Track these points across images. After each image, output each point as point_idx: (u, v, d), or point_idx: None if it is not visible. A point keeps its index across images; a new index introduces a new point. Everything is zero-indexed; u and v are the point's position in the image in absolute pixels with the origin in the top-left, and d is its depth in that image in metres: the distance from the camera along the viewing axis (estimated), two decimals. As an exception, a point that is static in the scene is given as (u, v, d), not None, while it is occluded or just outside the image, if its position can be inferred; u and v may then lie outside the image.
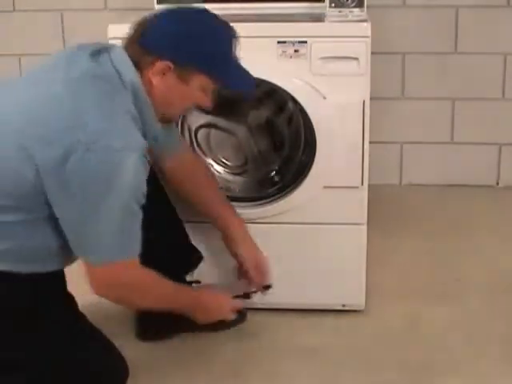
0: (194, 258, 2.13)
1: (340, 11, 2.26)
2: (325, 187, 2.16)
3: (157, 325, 2.16)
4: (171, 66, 1.69)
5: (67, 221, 1.64)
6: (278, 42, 2.05)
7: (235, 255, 2.09)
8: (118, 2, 3.25)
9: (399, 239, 2.82)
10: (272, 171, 2.31)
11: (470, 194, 3.26)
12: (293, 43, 2.05)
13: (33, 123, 1.61)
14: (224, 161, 2.35)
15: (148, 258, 1.72)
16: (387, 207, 3.08)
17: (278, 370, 2.02)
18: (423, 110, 3.30)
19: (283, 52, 2.04)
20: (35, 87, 1.68)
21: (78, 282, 1.88)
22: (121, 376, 1.83)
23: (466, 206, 3.14)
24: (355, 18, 2.21)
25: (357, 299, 2.26)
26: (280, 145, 2.33)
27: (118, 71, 1.69)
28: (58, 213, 1.63)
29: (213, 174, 2.17)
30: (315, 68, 2.05)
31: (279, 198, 2.19)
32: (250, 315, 2.19)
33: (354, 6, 2.26)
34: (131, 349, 1.94)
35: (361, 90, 2.04)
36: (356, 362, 2.05)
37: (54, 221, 1.66)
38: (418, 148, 3.35)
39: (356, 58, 2.04)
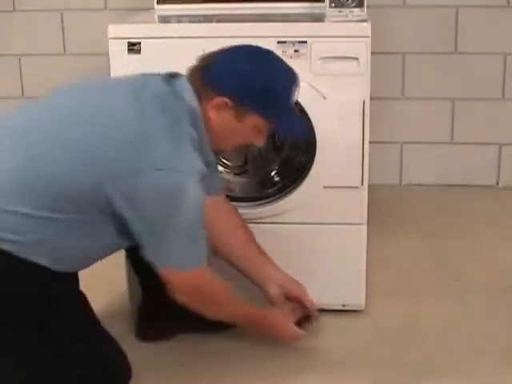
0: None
1: (340, 11, 2.26)
2: (325, 187, 2.16)
3: (157, 325, 2.17)
4: (228, 102, 1.74)
5: (139, 233, 1.70)
6: (278, 42, 2.05)
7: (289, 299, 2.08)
8: (118, 2, 3.25)
9: (399, 239, 2.82)
10: (272, 171, 2.31)
11: (470, 194, 3.26)
12: (293, 43, 2.05)
13: (101, 136, 1.67)
14: (224, 161, 2.35)
15: None
16: (387, 207, 3.08)
17: (278, 369, 2.02)
18: (423, 109, 3.30)
19: (283, 52, 2.04)
20: (103, 101, 1.74)
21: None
22: (123, 377, 1.84)
23: (466, 206, 3.14)
24: (355, 18, 2.21)
25: (357, 299, 2.26)
26: (280, 145, 2.33)
27: (182, 97, 1.74)
28: (128, 223, 1.69)
29: (247, 229, 2.10)
30: (315, 68, 2.06)
31: (279, 197, 2.19)
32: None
33: (354, 6, 2.26)
34: (131, 349, 1.93)
35: (361, 89, 2.04)
36: (356, 361, 2.05)
37: (99, 224, 1.71)
38: (418, 148, 3.35)
39: (356, 58, 2.04)
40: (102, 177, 1.63)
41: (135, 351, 1.90)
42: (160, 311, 2.17)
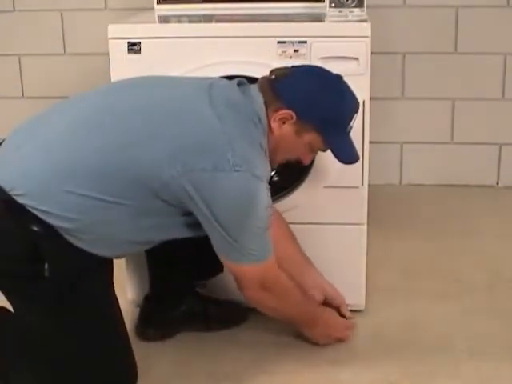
0: (217, 267, 2.10)
1: (340, 11, 2.26)
2: (325, 187, 2.16)
3: (157, 325, 2.17)
4: (294, 116, 1.80)
5: (210, 231, 1.75)
6: (278, 42, 2.05)
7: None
8: (118, 2, 3.25)
9: (399, 239, 2.82)
10: (272, 171, 2.31)
11: (470, 194, 3.26)
12: (293, 43, 2.05)
13: (184, 130, 1.71)
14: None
15: (177, 251, 1.92)
16: (387, 207, 3.08)
17: (278, 369, 2.02)
18: (423, 109, 3.30)
19: (283, 52, 2.05)
20: (181, 100, 1.78)
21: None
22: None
23: (466, 206, 3.14)
24: (355, 18, 2.21)
25: (357, 299, 2.26)
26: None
27: (254, 105, 1.80)
28: (199, 219, 1.74)
29: (295, 238, 2.16)
30: (315, 68, 2.05)
31: (279, 197, 2.19)
32: (250, 315, 2.19)
33: (354, 6, 2.26)
34: (131, 349, 1.94)
35: (361, 89, 2.04)
36: (356, 361, 2.05)
37: (159, 213, 1.75)
38: (418, 148, 3.35)
39: (356, 58, 2.04)
40: (182, 169, 1.67)
41: (135, 351, 1.90)
42: (160, 311, 2.18)
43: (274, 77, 1.85)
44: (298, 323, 2.07)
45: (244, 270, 1.80)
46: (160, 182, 1.68)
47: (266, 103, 1.81)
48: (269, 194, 1.78)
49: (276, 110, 1.81)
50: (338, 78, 1.87)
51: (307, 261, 2.15)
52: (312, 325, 2.06)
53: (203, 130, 1.72)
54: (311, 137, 1.84)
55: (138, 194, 1.70)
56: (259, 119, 1.79)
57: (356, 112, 1.88)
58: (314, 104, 1.81)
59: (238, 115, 1.76)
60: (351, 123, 1.87)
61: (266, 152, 1.83)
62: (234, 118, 1.75)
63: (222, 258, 1.80)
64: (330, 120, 1.83)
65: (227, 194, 1.70)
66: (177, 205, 1.73)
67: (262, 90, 1.82)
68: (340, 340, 2.10)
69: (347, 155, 1.89)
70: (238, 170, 1.68)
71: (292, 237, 2.13)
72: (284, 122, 1.81)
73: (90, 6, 3.30)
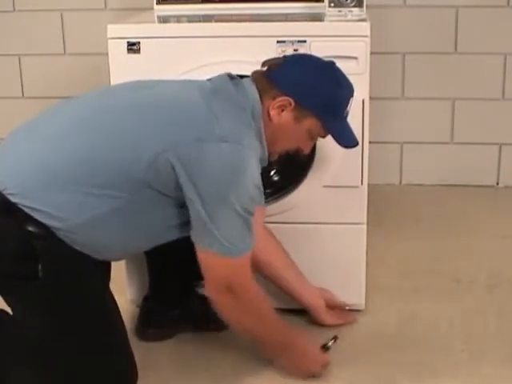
0: None
1: (339, 11, 2.26)
2: (325, 187, 2.16)
3: (157, 325, 2.17)
4: (292, 102, 1.79)
5: (192, 208, 1.70)
6: (278, 42, 2.05)
7: None
8: (118, 2, 3.25)
9: (399, 239, 2.82)
10: (271, 171, 2.31)
11: (470, 194, 3.26)
12: (292, 43, 2.05)
13: (170, 116, 1.72)
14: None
15: (177, 251, 1.88)
16: (387, 207, 3.08)
17: (278, 369, 2.02)
18: (423, 109, 3.30)
19: (283, 51, 2.04)
20: (176, 92, 1.80)
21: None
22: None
23: (466, 206, 3.14)
24: (354, 18, 2.21)
25: (357, 299, 2.26)
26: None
27: (245, 93, 1.79)
28: (185, 196, 1.70)
29: (284, 250, 2.13)
30: (315, 68, 2.05)
31: (279, 197, 2.19)
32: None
33: (354, 6, 2.25)
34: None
35: (360, 89, 2.04)
36: (356, 361, 2.05)
37: (153, 205, 1.73)
38: (418, 148, 3.35)
39: (355, 58, 2.04)
40: (167, 145, 1.66)
41: (135, 351, 1.89)
42: (160, 311, 2.18)
43: (266, 67, 1.84)
44: (263, 345, 1.92)
45: (213, 260, 1.73)
46: (145, 161, 1.66)
47: (260, 94, 1.80)
48: (259, 172, 1.75)
49: (273, 98, 1.80)
50: (331, 63, 1.87)
51: (299, 274, 2.14)
52: (280, 350, 1.92)
53: (189, 111, 1.72)
54: (310, 123, 1.83)
55: (127, 183, 1.68)
56: (251, 106, 1.78)
57: (352, 96, 1.87)
58: (311, 89, 1.80)
59: (230, 104, 1.75)
60: (348, 107, 1.86)
61: (262, 138, 1.81)
62: (224, 104, 1.75)
63: (197, 246, 1.74)
64: (328, 104, 1.82)
65: (212, 165, 1.67)
66: (166, 192, 1.71)
67: (255, 81, 1.82)
68: (310, 375, 1.94)
69: (347, 139, 1.89)
70: (226, 141, 1.67)
71: (282, 249, 2.12)
72: (283, 110, 1.80)
73: (90, 6, 3.31)
